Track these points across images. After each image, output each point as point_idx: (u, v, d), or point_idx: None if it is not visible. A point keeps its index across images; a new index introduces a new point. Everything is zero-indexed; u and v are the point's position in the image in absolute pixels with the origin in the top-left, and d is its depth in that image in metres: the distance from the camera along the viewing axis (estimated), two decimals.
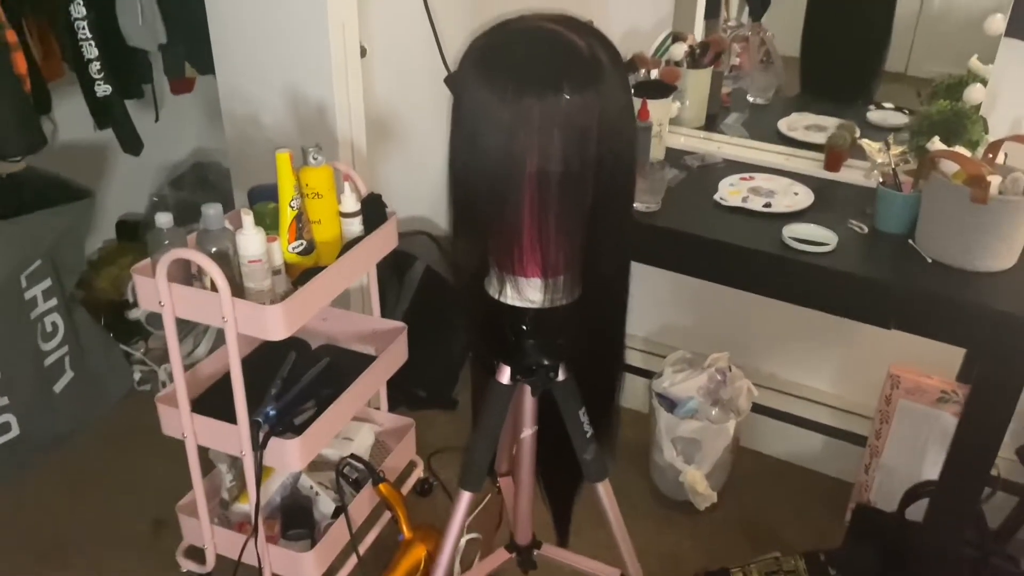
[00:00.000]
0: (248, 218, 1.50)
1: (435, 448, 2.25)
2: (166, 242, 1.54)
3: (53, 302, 2.16)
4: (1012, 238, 1.45)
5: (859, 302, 1.53)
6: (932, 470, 1.92)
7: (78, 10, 1.97)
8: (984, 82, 1.70)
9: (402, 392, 2.33)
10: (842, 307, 1.57)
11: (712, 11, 2.11)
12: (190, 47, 2.39)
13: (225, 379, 1.82)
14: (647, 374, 2.18)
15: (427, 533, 1.90)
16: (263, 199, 1.70)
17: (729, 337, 2.22)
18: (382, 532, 1.95)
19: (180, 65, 2.51)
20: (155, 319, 2.45)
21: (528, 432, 1.28)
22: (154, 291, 1.52)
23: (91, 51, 2.02)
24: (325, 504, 1.87)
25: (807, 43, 2.13)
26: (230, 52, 2.03)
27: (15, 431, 2.12)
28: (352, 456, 1.88)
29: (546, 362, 1.18)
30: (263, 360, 1.87)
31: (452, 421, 2.40)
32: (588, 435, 1.23)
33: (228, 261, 1.53)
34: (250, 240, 1.49)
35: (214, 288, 1.48)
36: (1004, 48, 1.65)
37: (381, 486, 1.87)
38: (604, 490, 1.30)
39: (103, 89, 2.09)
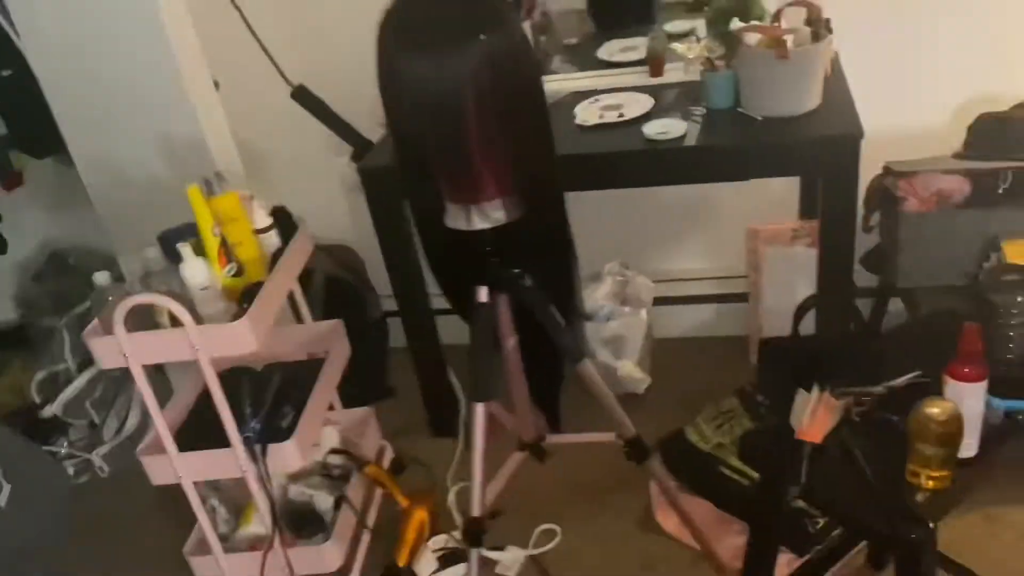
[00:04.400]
0: (187, 249, 1.58)
1: (392, 435, 2.38)
2: (110, 298, 1.60)
3: None
4: (814, 79, 1.81)
5: (720, 167, 1.85)
6: (807, 295, 2.30)
7: None
8: None
9: (340, 395, 2.44)
10: (708, 175, 1.89)
11: None
12: (17, 136, 2.36)
13: (188, 420, 1.88)
14: None
15: (420, 496, 2.05)
16: (175, 241, 1.77)
17: (609, 249, 2.48)
18: (380, 512, 2.07)
19: (6, 158, 2.47)
20: (74, 409, 2.41)
21: (511, 341, 1.48)
22: (115, 347, 1.57)
23: None
24: (322, 501, 1.96)
25: None
26: (81, 125, 2.04)
27: None
28: (332, 451, 1.99)
29: (514, 271, 1.38)
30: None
31: (396, 408, 2.53)
32: (562, 325, 1.44)
33: (177, 298, 1.60)
34: (197, 269, 1.58)
35: (173, 325, 1.56)
36: None
37: (368, 468, 2.00)
38: (586, 369, 1.51)
39: None
